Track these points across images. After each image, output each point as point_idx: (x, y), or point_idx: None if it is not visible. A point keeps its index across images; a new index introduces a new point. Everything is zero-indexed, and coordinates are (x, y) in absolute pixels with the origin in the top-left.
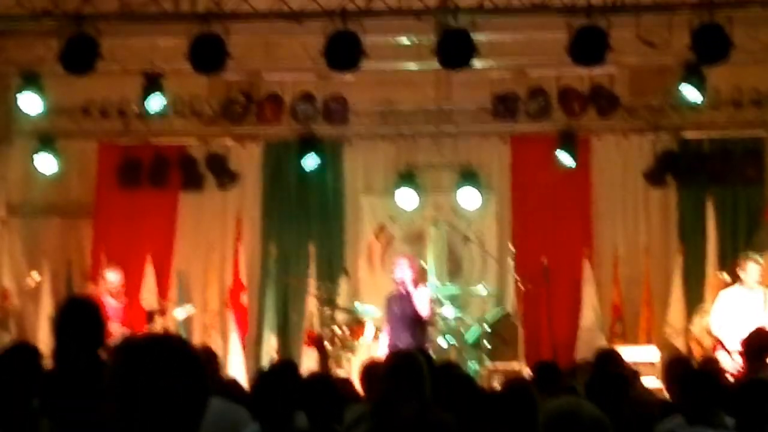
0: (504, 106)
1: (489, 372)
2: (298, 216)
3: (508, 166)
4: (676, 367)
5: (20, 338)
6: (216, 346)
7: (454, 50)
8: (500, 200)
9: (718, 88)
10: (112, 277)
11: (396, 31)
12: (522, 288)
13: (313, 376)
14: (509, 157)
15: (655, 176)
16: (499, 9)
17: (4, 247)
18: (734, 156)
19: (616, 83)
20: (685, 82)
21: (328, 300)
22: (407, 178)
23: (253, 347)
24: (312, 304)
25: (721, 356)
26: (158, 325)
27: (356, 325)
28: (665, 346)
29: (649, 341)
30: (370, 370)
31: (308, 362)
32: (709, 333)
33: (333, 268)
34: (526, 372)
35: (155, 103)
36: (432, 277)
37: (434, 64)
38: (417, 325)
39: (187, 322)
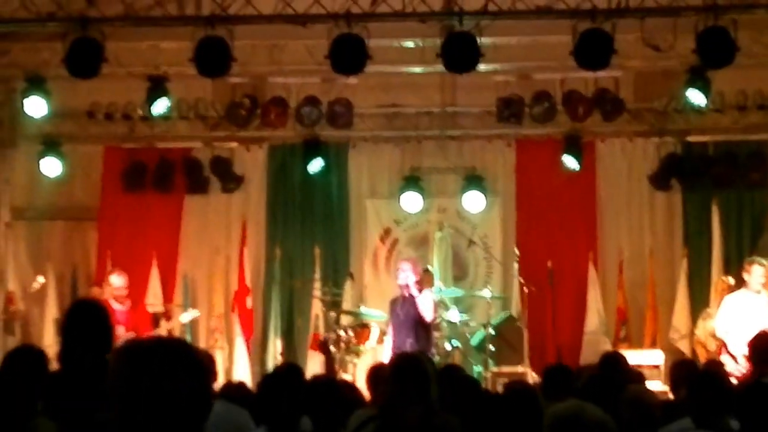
0: (509, 109)
1: (494, 375)
2: (303, 219)
3: (513, 170)
4: (682, 369)
5: (25, 341)
6: (221, 349)
7: (459, 54)
8: (505, 204)
9: (723, 91)
10: (117, 281)
11: (401, 35)
12: (527, 291)
13: (317, 379)
14: (514, 160)
15: (660, 180)
16: (504, 12)
17: (9, 250)
18: (739, 160)
19: (621, 87)
20: (690, 85)
21: (333, 303)
22: (412, 181)
23: (258, 350)
24: (317, 308)
25: (725, 360)
26: (163, 329)
27: (361, 328)
28: (670, 349)
29: (654, 345)
30: (377, 373)
31: (313, 366)
32: (714, 336)
33: (338, 272)
34: (532, 376)
35: (160, 106)
36: (437, 281)
37: (439, 68)
38: (421, 328)
39: (193, 325)
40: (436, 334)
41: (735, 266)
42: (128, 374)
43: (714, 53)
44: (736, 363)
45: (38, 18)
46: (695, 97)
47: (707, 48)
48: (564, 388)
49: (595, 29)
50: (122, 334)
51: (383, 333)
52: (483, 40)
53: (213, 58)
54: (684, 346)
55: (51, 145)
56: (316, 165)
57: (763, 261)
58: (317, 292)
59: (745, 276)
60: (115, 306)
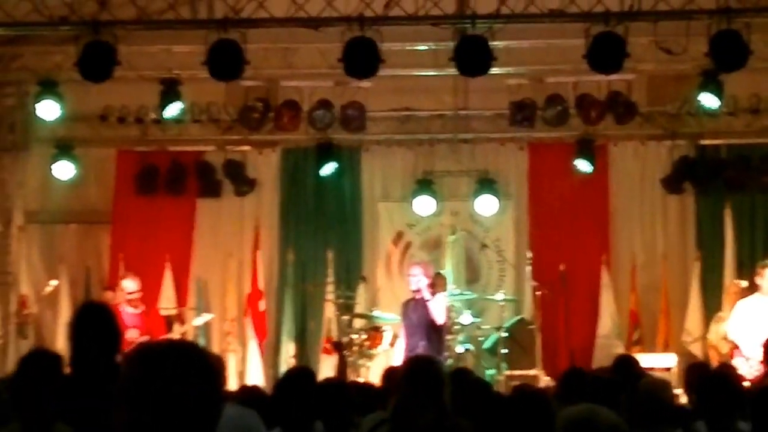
0: (521, 112)
1: (506, 378)
2: (316, 223)
3: (526, 173)
4: (696, 373)
5: (38, 345)
6: (235, 352)
7: (472, 57)
8: (518, 207)
9: (736, 95)
10: (130, 285)
11: (414, 38)
12: (539, 295)
13: (328, 382)
14: (527, 163)
15: (672, 183)
16: (517, 16)
17: (22, 253)
18: (752, 163)
19: (633, 90)
20: (702, 89)
21: (345, 306)
22: (425, 184)
23: (271, 354)
24: (330, 311)
25: (738, 362)
26: (177, 333)
27: (374, 331)
28: (683, 353)
29: (666, 348)
30: (392, 377)
31: (326, 369)
32: (726, 340)
33: (351, 275)
34: (544, 379)
35: (173, 109)
36: (450, 284)
37: (452, 71)
38: (433, 331)
39: (206, 329)
40: (448, 337)
41: (748, 270)
42: (140, 377)
43: (727, 56)
44: (749, 366)
45: (51, 21)
46: (708, 100)
47: (720, 51)
48: (579, 392)
49: (608, 32)
50: (136, 337)
51: (396, 336)
52: (496, 44)
53: (226, 62)
54: (696, 350)
55: (64, 148)
56: (328, 168)
57: None
58: (330, 295)
59: (758, 280)
60: (129, 310)
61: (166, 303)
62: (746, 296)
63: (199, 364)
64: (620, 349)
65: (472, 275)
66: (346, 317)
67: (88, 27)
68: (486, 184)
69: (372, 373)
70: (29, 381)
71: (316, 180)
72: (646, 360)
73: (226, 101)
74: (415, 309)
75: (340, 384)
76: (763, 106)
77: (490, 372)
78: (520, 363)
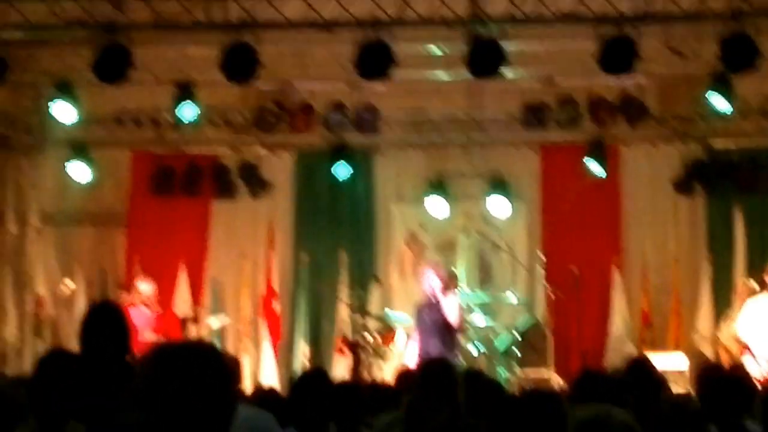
0: (534, 115)
1: (519, 379)
2: (330, 224)
3: (538, 175)
4: (707, 373)
5: (54, 345)
6: (249, 353)
7: (485, 60)
8: (530, 209)
9: (747, 97)
10: (145, 287)
11: (427, 41)
12: (552, 296)
13: (341, 383)
14: (539, 166)
15: (683, 185)
16: (530, 19)
17: (38, 255)
18: (762, 164)
19: (645, 93)
20: (713, 91)
21: (359, 307)
22: (438, 186)
23: (285, 354)
24: (343, 312)
25: (748, 362)
26: (192, 333)
27: (387, 332)
28: (694, 353)
29: (677, 348)
30: (406, 378)
31: (339, 369)
32: (737, 340)
33: (364, 276)
34: (557, 380)
35: (188, 112)
36: (463, 285)
37: (465, 74)
38: (446, 332)
39: (221, 330)
40: (461, 338)
41: (758, 270)
42: (155, 377)
43: (737, 59)
44: (759, 365)
45: (67, 24)
46: (719, 102)
47: (731, 54)
48: (592, 393)
49: (619, 36)
50: (152, 339)
51: (409, 336)
52: (508, 47)
53: (240, 64)
54: (707, 350)
55: (79, 150)
56: (342, 170)
57: None
58: (343, 295)
59: None
60: (145, 311)
61: (182, 304)
62: (756, 296)
63: (213, 365)
64: (632, 350)
65: (484, 276)
66: (359, 318)
67: (104, 30)
68: (498, 186)
69: (385, 372)
70: (46, 381)
71: (329, 182)
72: (657, 360)
73: (240, 104)
74: (428, 310)
75: (353, 385)
76: None
77: (503, 373)
78: (532, 364)
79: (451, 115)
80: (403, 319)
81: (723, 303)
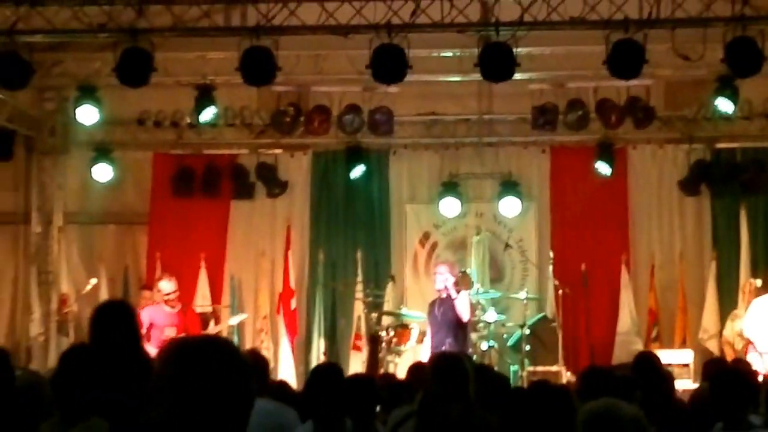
0: (544, 117)
1: (529, 374)
2: (346, 223)
3: (548, 175)
4: (714, 368)
5: (78, 342)
6: (267, 349)
7: (496, 63)
8: (540, 208)
9: (751, 100)
10: (167, 286)
11: (439, 45)
12: (561, 293)
13: (356, 377)
14: (549, 166)
15: (689, 185)
16: (539, 23)
17: (62, 253)
18: (766, 165)
19: (651, 95)
20: (718, 94)
21: (374, 305)
22: (450, 187)
23: (302, 350)
24: (359, 309)
25: (752, 357)
26: (212, 330)
27: (402, 328)
28: (699, 349)
29: (683, 345)
30: (418, 372)
31: (355, 365)
32: (741, 336)
33: (379, 274)
34: (566, 375)
35: (207, 114)
36: (475, 283)
37: (476, 77)
38: (459, 328)
39: (240, 326)
40: (473, 334)
41: (762, 269)
42: (174, 372)
43: (742, 63)
44: (763, 361)
45: (90, 29)
46: (724, 105)
47: (735, 58)
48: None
49: (627, 39)
50: (172, 335)
51: (423, 333)
52: (519, 50)
53: (258, 68)
54: (713, 346)
55: (102, 151)
56: (358, 171)
57: None
58: (359, 293)
59: None
60: (167, 309)
61: (202, 301)
62: (761, 295)
63: (231, 360)
64: (639, 346)
65: (496, 274)
66: (374, 315)
67: (126, 34)
68: (509, 186)
69: (400, 368)
70: (68, 376)
71: (345, 182)
72: (664, 356)
73: (258, 106)
74: (440, 307)
75: (368, 379)
76: None
77: (514, 368)
78: (542, 359)
79: (463, 117)
80: (417, 316)
81: (728, 300)
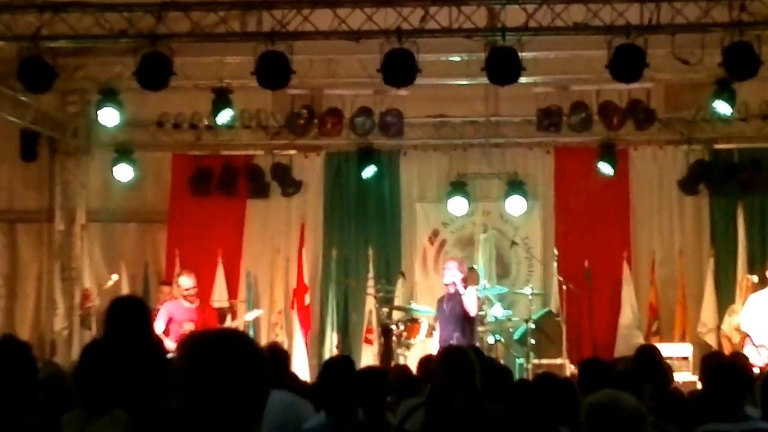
0: (548, 119)
1: (534, 367)
2: (357, 222)
3: (552, 175)
4: (712, 361)
5: (100, 336)
6: (281, 343)
7: (502, 67)
8: (545, 207)
9: (748, 102)
10: (186, 281)
11: (448, 50)
12: (565, 289)
13: (368, 369)
14: (553, 166)
15: (688, 185)
16: (544, 28)
17: (85, 250)
18: (763, 166)
19: (652, 98)
20: (716, 96)
21: (385, 300)
22: (458, 186)
23: (315, 344)
24: (371, 304)
25: (749, 351)
26: (229, 325)
27: (412, 323)
28: (698, 343)
29: (683, 338)
30: (427, 364)
31: (367, 358)
32: (738, 330)
33: (390, 271)
34: (570, 368)
35: (224, 116)
36: (482, 279)
37: (483, 80)
38: (466, 323)
39: (255, 321)
40: (480, 328)
41: (759, 266)
42: (192, 364)
43: (739, 66)
44: (759, 354)
45: (111, 35)
46: (722, 107)
47: (733, 61)
48: (600, 380)
49: (628, 44)
50: (191, 330)
51: (432, 328)
52: (524, 55)
53: (273, 72)
54: (711, 340)
55: (123, 152)
56: (369, 171)
57: None
58: (371, 289)
59: None
60: (185, 304)
61: (219, 296)
62: (757, 290)
63: (246, 353)
64: (640, 340)
65: (502, 271)
66: (385, 310)
67: (146, 39)
68: (515, 185)
69: (409, 361)
70: (89, 369)
71: (357, 182)
72: (663, 349)
73: (273, 108)
74: (449, 302)
75: (378, 372)
76: None
77: (519, 361)
78: (547, 352)
79: (470, 119)
80: (426, 311)
81: (725, 295)
